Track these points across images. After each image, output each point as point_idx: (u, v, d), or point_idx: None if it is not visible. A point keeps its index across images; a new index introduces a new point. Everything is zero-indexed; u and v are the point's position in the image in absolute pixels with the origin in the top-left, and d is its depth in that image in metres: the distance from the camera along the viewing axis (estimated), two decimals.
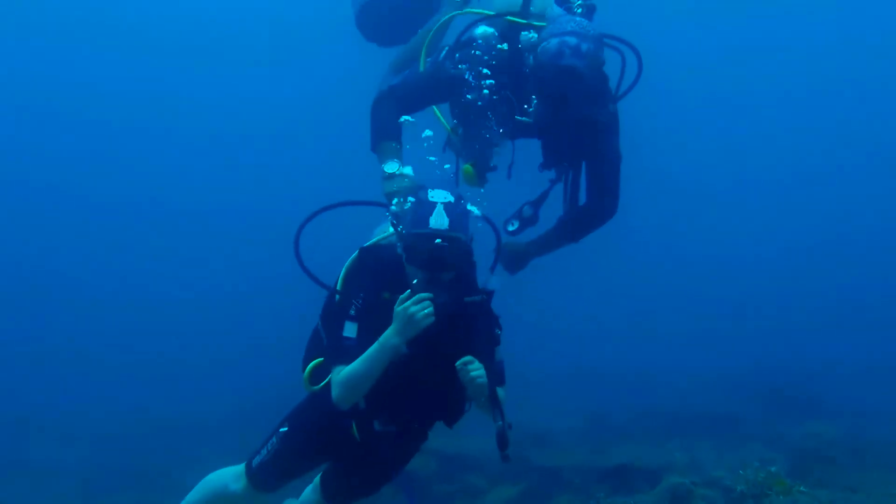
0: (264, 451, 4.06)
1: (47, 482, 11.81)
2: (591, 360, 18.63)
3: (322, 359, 3.73)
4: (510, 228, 4.75)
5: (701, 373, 15.65)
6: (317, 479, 4.27)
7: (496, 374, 3.63)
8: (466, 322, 3.55)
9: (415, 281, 3.40)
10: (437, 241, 3.35)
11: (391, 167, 4.04)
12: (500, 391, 3.64)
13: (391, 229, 3.80)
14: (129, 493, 11.02)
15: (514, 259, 4.76)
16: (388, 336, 3.33)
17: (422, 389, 3.62)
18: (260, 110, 30.37)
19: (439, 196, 3.50)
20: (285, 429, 4.02)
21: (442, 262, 3.37)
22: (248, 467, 4.08)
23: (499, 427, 3.30)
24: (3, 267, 26.25)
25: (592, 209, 4.80)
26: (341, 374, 3.48)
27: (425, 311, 3.25)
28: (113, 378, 17.97)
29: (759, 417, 12.12)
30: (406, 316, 3.27)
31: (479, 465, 10.07)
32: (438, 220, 3.37)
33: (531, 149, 4.70)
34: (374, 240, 4.02)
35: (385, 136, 4.28)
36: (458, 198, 3.54)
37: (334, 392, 3.49)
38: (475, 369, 3.34)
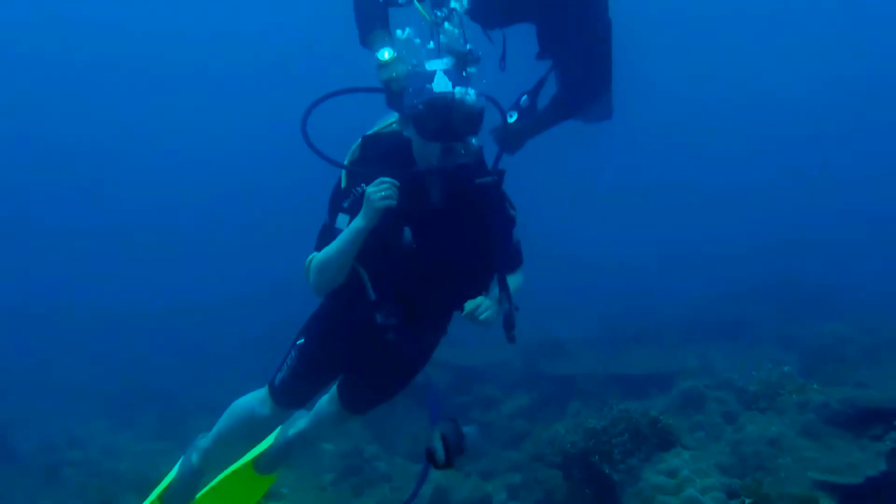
0: (285, 367, 3.92)
1: (73, 401, 12.37)
2: (605, 277, 18.63)
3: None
4: (509, 120, 4.56)
5: (713, 285, 15.58)
6: (333, 388, 4.18)
7: (513, 256, 3.56)
8: (480, 205, 3.40)
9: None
10: (444, 103, 3.16)
11: (383, 54, 3.81)
12: (518, 276, 3.58)
13: (391, 118, 3.60)
14: (150, 410, 11.35)
15: (510, 139, 4.58)
16: (356, 219, 3.22)
17: (438, 278, 3.48)
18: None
19: (437, 64, 3.30)
20: (301, 340, 3.86)
21: (451, 125, 3.17)
22: (271, 386, 3.94)
23: (506, 310, 3.28)
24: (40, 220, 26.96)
25: (583, 81, 4.69)
26: (315, 258, 3.37)
27: (383, 193, 3.11)
28: (136, 308, 18.44)
29: (771, 321, 12.05)
30: (367, 198, 3.15)
31: (492, 377, 10.11)
32: (441, 83, 3.19)
33: (525, 37, 4.51)
34: (375, 129, 3.78)
35: (372, 25, 4.07)
36: (458, 63, 3.33)
37: (309, 279, 3.40)
38: (484, 311, 3.24)
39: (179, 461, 4.47)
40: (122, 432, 10.90)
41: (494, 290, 3.42)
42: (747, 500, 4.03)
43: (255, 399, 4.05)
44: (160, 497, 4.37)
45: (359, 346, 3.69)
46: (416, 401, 9.28)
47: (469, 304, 3.21)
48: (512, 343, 3.27)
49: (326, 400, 4.17)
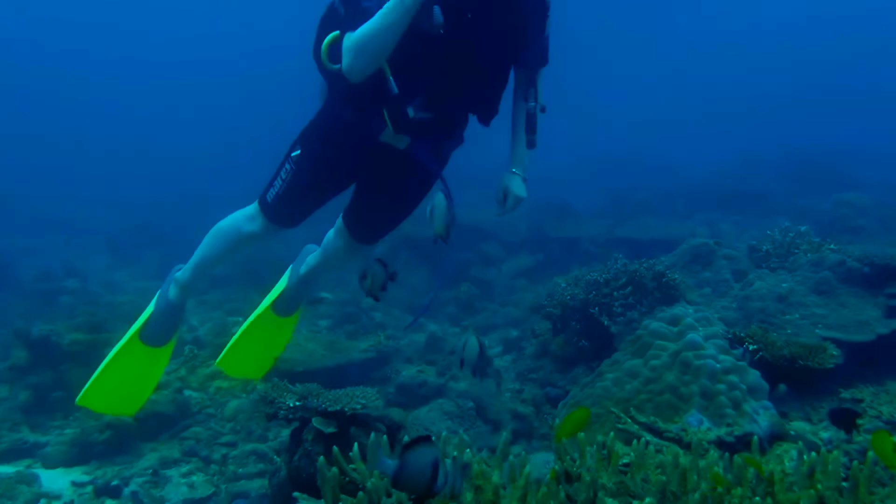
0: (278, 182, 3.41)
1: (78, 238, 12.43)
2: (616, 148, 18.05)
3: (339, 31, 3.09)
4: None
5: (724, 157, 15.00)
6: (339, 219, 3.79)
7: (543, 51, 3.19)
8: None
9: None
10: None
11: None
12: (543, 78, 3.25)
13: None
14: (153, 253, 11.30)
15: None
16: None
17: (463, 71, 3.03)
18: None
19: None
20: (298, 151, 3.34)
21: None
22: (263, 203, 3.51)
23: (531, 108, 3.22)
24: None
25: None
26: (352, 36, 2.88)
27: None
28: (146, 152, 18.31)
29: (784, 193, 11.60)
30: None
31: (495, 236, 9.81)
32: None
33: None
34: None
35: None
36: None
37: (345, 60, 2.88)
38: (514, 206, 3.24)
39: (156, 296, 4.21)
40: (122, 270, 10.88)
41: (520, 145, 3.24)
42: (751, 346, 3.76)
43: (241, 217, 3.65)
44: (139, 333, 4.11)
45: (365, 155, 3.25)
46: (415, 253, 9.06)
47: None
48: (531, 148, 3.22)
49: (333, 234, 3.81)
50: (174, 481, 4.76)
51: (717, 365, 3.59)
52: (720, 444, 3.25)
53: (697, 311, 4.65)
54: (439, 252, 8.92)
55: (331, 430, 3.43)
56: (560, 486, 2.03)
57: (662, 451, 3.18)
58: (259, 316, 4.18)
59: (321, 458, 1.90)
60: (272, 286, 4.27)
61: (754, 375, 3.61)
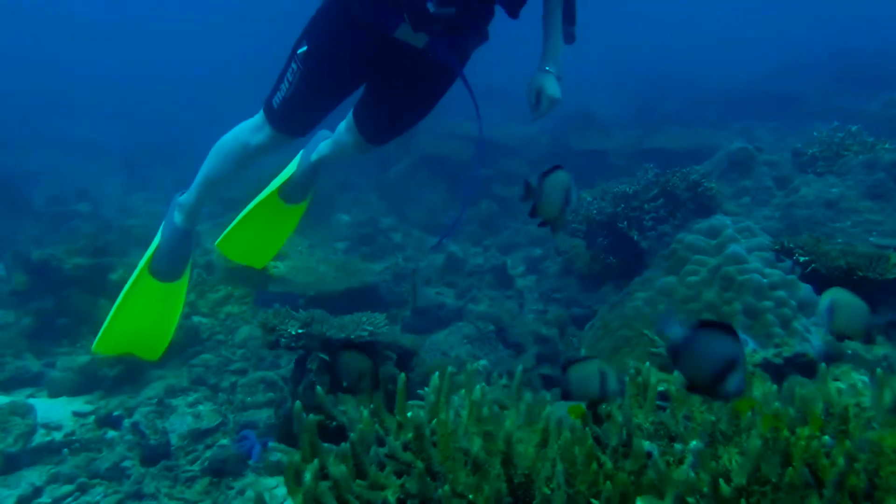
0: (284, 85, 3.07)
1: (92, 159, 12.25)
2: (643, 55, 17.15)
3: None
4: None
5: (758, 62, 14.09)
6: (349, 114, 3.41)
7: None
8: None
9: None
10: None
11: None
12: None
13: None
14: (167, 176, 11.03)
15: None
16: None
17: None
18: None
19: None
20: (304, 48, 2.94)
21: None
22: (268, 110, 3.19)
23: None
24: None
25: None
26: None
27: None
28: (161, 75, 17.98)
29: (827, 94, 10.80)
30: None
31: (517, 151, 9.31)
32: None
33: None
34: None
35: None
36: None
37: None
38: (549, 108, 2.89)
39: (161, 227, 3.90)
40: (138, 193, 10.64)
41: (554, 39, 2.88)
42: (802, 258, 3.34)
43: (246, 129, 3.34)
44: (148, 267, 3.81)
45: (379, 52, 2.87)
46: (432, 170, 8.63)
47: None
48: (569, 43, 2.88)
49: (344, 128, 3.41)
50: (180, 411, 4.54)
51: (764, 279, 3.18)
52: (767, 366, 2.88)
53: (737, 221, 4.22)
54: (463, 170, 8.49)
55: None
56: (587, 429, 1.68)
57: None
58: (265, 199, 3.88)
59: (297, 403, 1.56)
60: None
61: (805, 290, 3.20)
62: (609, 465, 1.46)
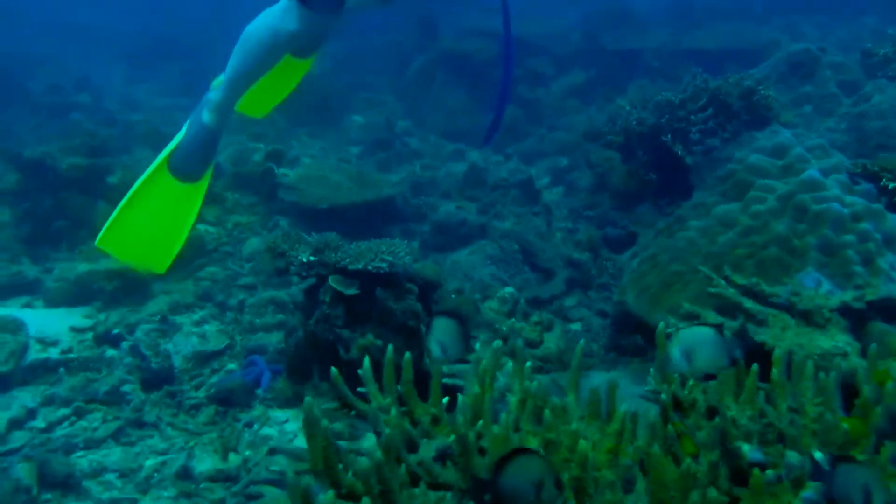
0: None
1: (97, 42, 11.67)
2: None
3: None
4: None
5: None
6: None
7: None
8: None
9: None
10: None
11: None
12: None
13: None
14: (173, 67, 10.52)
15: None
16: None
17: None
18: None
19: None
20: None
21: None
22: None
23: None
24: None
25: None
26: None
27: None
28: None
29: None
30: None
31: (544, 49, 8.64)
32: None
33: None
34: None
35: None
36: None
37: None
38: None
39: (186, 122, 3.49)
40: (141, 84, 10.11)
41: None
42: (891, 184, 2.89)
43: (273, 14, 3.04)
44: (167, 163, 3.42)
45: None
46: (452, 72, 8.04)
47: None
48: None
49: None
50: (184, 330, 4.25)
51: (845, 210, 2.75)
52: (845, 311, 2.50)
53: (800, 136, 3.74)
54: (486, 69, 7.86)
55: (352, 291, 2.77)
56: (669, 424, 1.31)
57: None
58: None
59: (307, 399, 1.20)
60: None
61: (893, 221, 2.78)
62: (713, 494, 1.10)
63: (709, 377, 1.49)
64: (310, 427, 1.15)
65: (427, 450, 1.17)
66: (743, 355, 1.44)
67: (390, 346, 1.43)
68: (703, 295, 2.69)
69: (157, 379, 3.65)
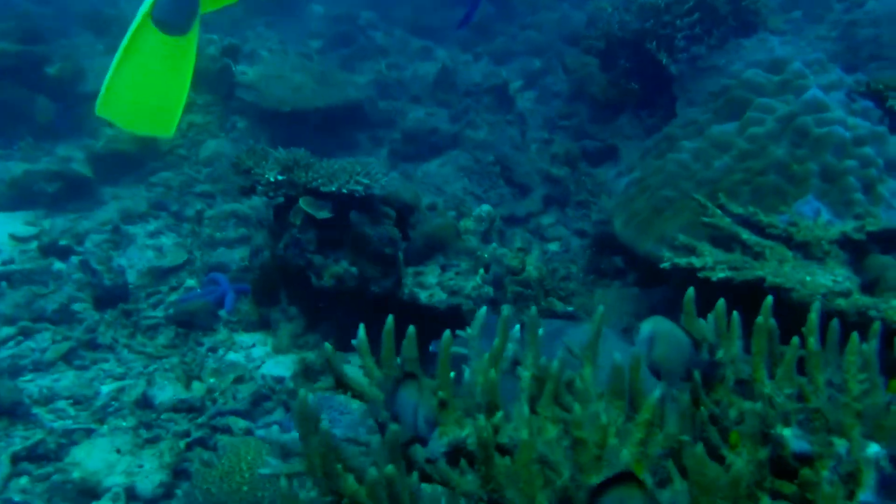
0: None
1: None
2: None
3: None
4: None
5: None
6: None
7: None
8: None
9: None
10: None
11: None
12: None
13: None
14: None
15: None
16: None
17: None
18: None
19: None
20: None
21: None
22: None
23: None
24: None
25: None
26: None
27: None
28: None
29: None
30: None
31: None
32: None
33: None
34: None
35: None
36: None
37: None
38: None
39: None
40: None
41: None
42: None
43: None
44: (150, 17, 3.02)
45: None
46: None
47: None
48: None
49: None
50: (138, 242, 3.97)
51: (847, 133, 2.58)
52: (845, 243, 2.36)
53: (785, 42, 3.54)
54: None
55: (324, 214, 2.53)
56: (703, 408, 1.16)
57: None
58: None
59: (301, 392, 0.99)
60: None
61: (895, 145, 2.62)
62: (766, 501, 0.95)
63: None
64: (304, 424, 0.96)
65: (437, 444, 1.00)
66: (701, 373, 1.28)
67: (390, 317, 1.23)
68: (696, 224, 2.53)
69: (111, 296, 3.40)
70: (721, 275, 2.21)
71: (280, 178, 2.57)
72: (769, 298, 1.38)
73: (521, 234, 3.60)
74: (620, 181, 3.12)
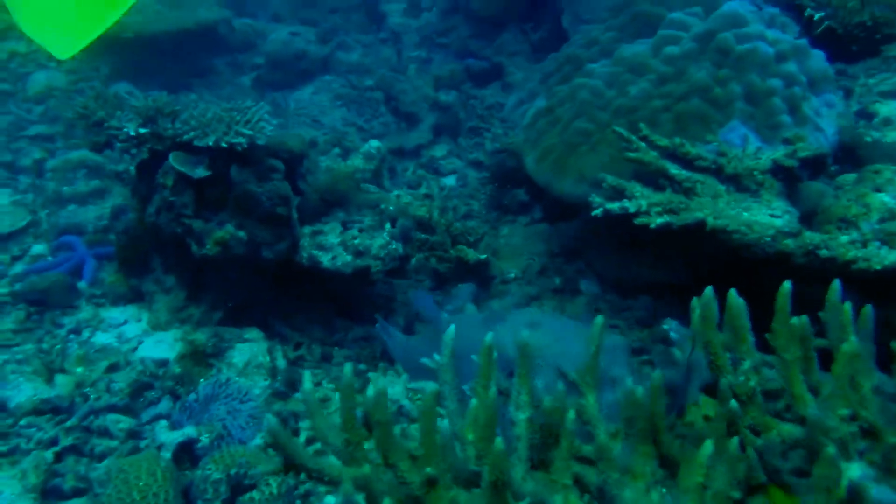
0: None
1: None
2: None
3: None
4: None
5: None
6: None
7: None
8: None
9: None
10: None
11: None
12: None
13: None
14: None
15: None
16: None
17: None
18: None
19: None
20: None
21: None
22: None
23: None
24: None
25: None
26: None
27: None
28: None
29: None
30: None
31: None
32: None
33: None
34: None
35: None
36: None
37: None
38: None
39: None
40: None
41: None
42: (816, 13, 2.49)
43: None
44: None
45: None
46: None
47: None
48: None
49: None
50: None
51: (770, 49, 2.35)
52: (777, 170, 2.17)
53: None
54: None
55: (201, 172, 2.02)
56: (750, 449, 0.88)
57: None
58: None
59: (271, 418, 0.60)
60: None
61: (817, 59, 2.42)
62: None
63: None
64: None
65: None
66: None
67: (348, 366, 0.85)
68: (618, 159, 2.25)
69: None
70: (659, 220, 1.95)
71: (142, 130, 2.02)
72: (787, 284, 1.10)
73: (415, 170, 3.22)
74: (522, 109, 2.78)
